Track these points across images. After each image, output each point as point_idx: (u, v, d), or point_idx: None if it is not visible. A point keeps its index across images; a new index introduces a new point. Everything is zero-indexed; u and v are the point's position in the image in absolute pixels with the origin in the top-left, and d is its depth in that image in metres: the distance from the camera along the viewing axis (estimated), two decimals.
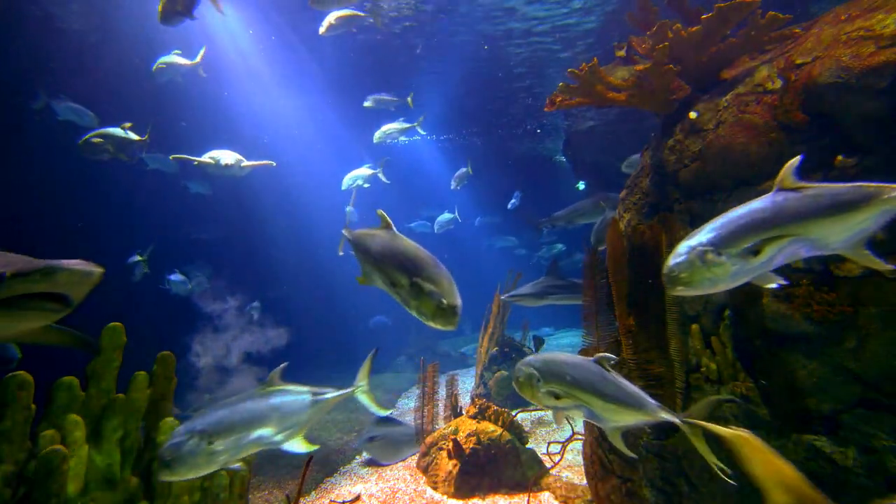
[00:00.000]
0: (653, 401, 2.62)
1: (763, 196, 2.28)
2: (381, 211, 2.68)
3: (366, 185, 11.10)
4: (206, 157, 6.78)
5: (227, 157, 6.79)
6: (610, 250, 3.87)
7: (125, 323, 3.06)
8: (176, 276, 9.74)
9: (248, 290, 8.66)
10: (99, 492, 2.83)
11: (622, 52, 4.58)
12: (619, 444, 2.77)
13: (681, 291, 2.34)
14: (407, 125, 10.11)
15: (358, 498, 5.29)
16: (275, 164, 7.09)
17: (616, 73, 4.22)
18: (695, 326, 3.52)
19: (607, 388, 2.64)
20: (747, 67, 3.77)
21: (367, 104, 10.12)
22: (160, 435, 3.20)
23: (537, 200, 18.86)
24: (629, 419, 2.65)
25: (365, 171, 11.05)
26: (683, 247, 2.28)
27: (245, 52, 11.39)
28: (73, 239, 9.87)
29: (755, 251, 2.13)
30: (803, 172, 2.35)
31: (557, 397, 2.73)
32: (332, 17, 7.20)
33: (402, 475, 5.92)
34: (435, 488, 5.42)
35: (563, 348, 14.69)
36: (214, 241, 14.56)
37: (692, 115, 3.81)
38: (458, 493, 5.21)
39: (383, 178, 11.04)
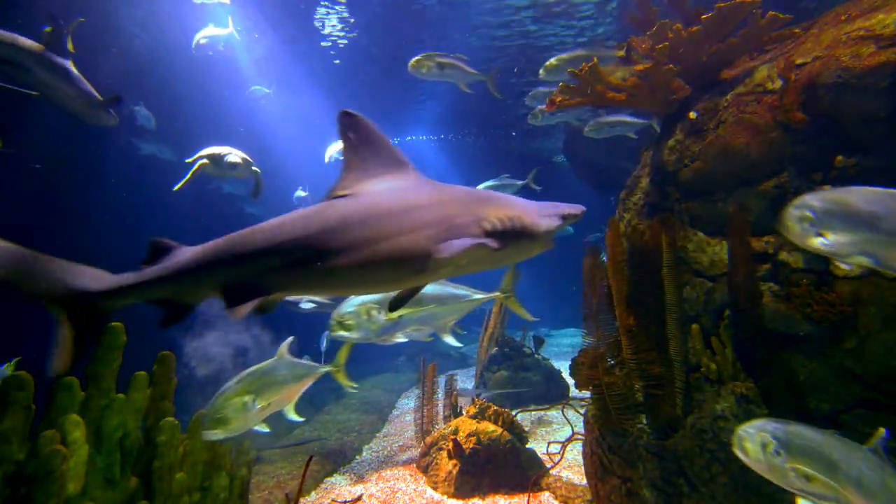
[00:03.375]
0: None
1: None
2: None
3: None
4: (204, 154, 5.84)
5: (233, 155, 5.88)
6: (609, 251, 3.87)
7: (127, 322, 3.06)
8: None
9: None
10: (99, 492, 2.83)
11: (622, 52, 4.58)
12: None
13: (339, 333, 2.96)
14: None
15: (359, 498, 5.29)
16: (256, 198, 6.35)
17: (616, 73, 4.22)
18: (695, 326, 3.52)
19: None
20: (747, 67, 3.77)
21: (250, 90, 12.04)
22: (160, 435, 3.20)
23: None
24: None
25: (300, 192, 13.60)
26: (357, 300, 2.99)
27: (239, 49, 11.54)
28: (116, 238, 10.19)
29: (400, 316, 3.04)
30: (805, 172, 2.47)
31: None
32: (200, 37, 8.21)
33: (403, 475, 5.93)
34: (435, 488, 5.42)
35: (564, 348, 14.69)
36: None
37: (692, 115, 3.81)
38: (458, 493, 5.21)
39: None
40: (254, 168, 5.92)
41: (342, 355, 3.87)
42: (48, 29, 5.22)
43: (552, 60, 7.13)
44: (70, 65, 5.01)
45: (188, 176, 5.66)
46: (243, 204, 14.70)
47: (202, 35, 9.71)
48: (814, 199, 2.21)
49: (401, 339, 3.34)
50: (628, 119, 7.84)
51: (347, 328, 2.97)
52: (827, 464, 2.14)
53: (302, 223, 2.11)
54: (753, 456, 2.35)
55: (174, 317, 2.14)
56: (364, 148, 2.34)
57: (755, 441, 2.34)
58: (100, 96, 5.17)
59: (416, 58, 6.80)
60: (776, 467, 2.27)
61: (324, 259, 2.00)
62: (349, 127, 2.35)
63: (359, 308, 2.98)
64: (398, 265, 2.07)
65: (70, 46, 6.29)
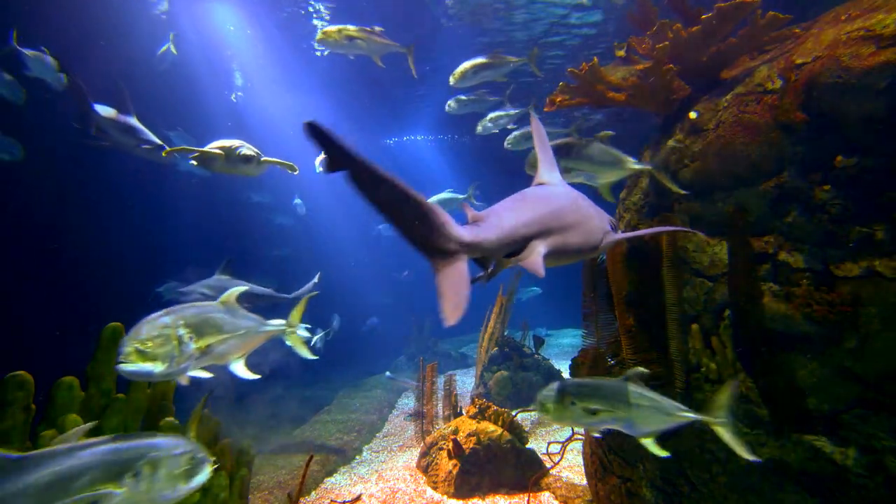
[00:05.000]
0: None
1: (216, 306, 3.11)
2: None
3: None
4: (213, 147, 5.32)
5: (245, 148, 5.37)
6: (609, 250, 3.87)
7: (127, 322, 3.06)
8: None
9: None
10: None
11: (622, 52, 4.57)
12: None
13: (136, 367, 2.59)
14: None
15: (358, 498, 5.29)
16: (296, 171, 5.90)
17: (616, 73, 4.22)
18: (695, 326, 3.52)
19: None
20: (747, 67, 3.77)
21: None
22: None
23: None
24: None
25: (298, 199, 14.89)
26: (163, 320, 2.86)
27: (237, 49, 11.56)
28: (137, 246, 10.32)
29: (208, 345, 2.91)
30: (805, 172, 2.72)
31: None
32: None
33: (403, 475, 5.93)
34: (435, 488, 5.42)
35: (564, 348, 14.70)
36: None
37: (692, 115, 3.81)
38: (458, 493, 5.21)
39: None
40: (265, 158, 5.70)
41: (193, 422, 3.08)
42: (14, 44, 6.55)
43: (461, 67, 7.30)
44: (134, 120, 6.13)
45: (185, 147, 5.44)
46: (271, 213, 15.16)
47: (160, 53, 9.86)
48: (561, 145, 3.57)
49: (204, 374, 2.82)
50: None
51: (151, 357, 2.26)
52: (605, 398, 2.87)
53: (553, 200, 2.52)
54: (557, 412, 2.94)
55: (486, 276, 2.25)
56: (545, 145, 2.89)
57: (556, 400, 2.93)
58: (159, 140, 6.25)
59: (324, 29, 6.47)
60: (573, 414, 2.90)
61: (562, 231, 2.39)
62: (538, 127, 2.92)
63: (170, 331, 2.33)
64: (594, 243, 2.56)
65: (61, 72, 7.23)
